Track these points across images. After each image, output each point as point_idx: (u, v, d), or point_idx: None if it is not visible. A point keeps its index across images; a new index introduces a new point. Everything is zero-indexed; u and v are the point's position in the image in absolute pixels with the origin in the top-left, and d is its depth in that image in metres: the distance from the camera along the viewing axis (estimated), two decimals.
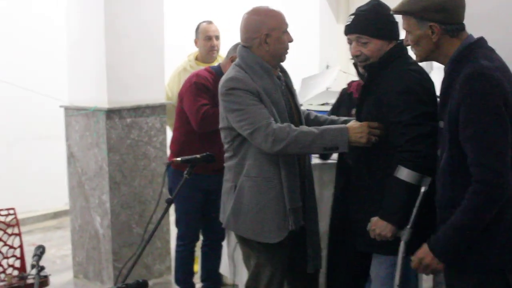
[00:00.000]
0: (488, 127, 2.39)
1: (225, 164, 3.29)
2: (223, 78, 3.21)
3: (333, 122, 3.39)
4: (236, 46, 4.11)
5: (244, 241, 3.29)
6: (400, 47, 3.00)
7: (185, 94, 4.27)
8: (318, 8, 6.57)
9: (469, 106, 2.41)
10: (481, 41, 2.58)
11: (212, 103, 4.10)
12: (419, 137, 2.77)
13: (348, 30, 3.05)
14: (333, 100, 4.09)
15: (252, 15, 3.20)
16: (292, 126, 3.04)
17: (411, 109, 2.81)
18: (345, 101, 3.54)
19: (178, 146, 4.31)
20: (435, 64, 4.28)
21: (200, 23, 5.11)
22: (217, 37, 5.07)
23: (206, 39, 4.99)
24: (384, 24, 2.98)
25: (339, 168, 3.36)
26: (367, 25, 2.99)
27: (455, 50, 2.56)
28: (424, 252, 2.57)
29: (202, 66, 4.84)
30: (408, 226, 2.80)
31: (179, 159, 3.10)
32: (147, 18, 5.01)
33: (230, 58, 4.14)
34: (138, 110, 4.95)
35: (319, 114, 3.49)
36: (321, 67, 6.60)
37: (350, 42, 3.08)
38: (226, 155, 3.27)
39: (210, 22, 5.11)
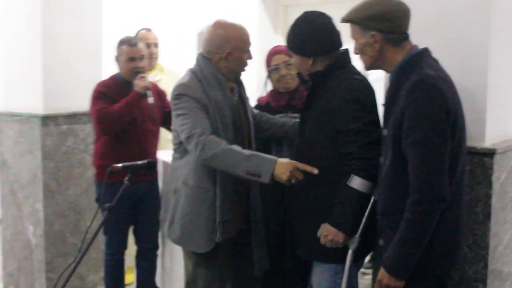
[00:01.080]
0: (427, 136, 2.43)
1: (171, 164, 3.34)
2: (175, 85, 3.23)
3: (284, 123, 3.45)
4: (119, 42, 4.18)
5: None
6: (344, 56, 3.04)
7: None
8: (257, 20, 6.59)
9: (411, 114, 2.46)
10: (426, 51, 2.64)
11: (109, 105, 4.07)
12: (370, 144, 2.80)
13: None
14: None
15: (218, 29, 3.21)
16: (226, 142, 3.05)
17: (361, 117, 2.84)
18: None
19: (99, 159, 4.24)
20: (372, 76, 4.37)
21: (139, 31, 5.09)
22: (156, 45, 5.08)
23: (145, 46, 4.96)
24: (298, 41, 3.03)
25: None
26: (288, 40, 3.07)
27: (401, 60, 2.61)
28: (381, 273, 2.60)
29: None
30: (357, 235, 2.81)
31: (120, 165, 3.04)
32: (85, 23, 4.94)
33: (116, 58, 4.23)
34: (74, 117, 4.85)
35: (271, 116, 3.53)
36: (260, 77, 6.61)
37: None
38: (174, 155, 3.32)
39: (149, 30, 5.10)
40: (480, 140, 2.89)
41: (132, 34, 5.01)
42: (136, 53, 4.17)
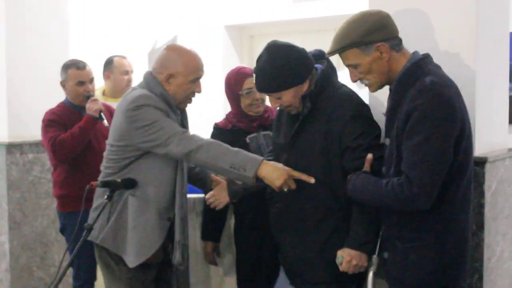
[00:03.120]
0: (429, 140, 2.36)
1: (101, 179, 3.13)
2: (129, 97, 3.03)
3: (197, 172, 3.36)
4: (65, 66, 4.08)
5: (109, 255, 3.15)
6: (327, 74, 2.89)
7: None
8: (223, 50, 6.57)
9: (416, 118, 2.38)
10: (428, 57, 2.57)
11: (61, 133, 3.95)
12: (381, 158, 2.65)
13: (258, 89, 2.91)
14: None
15: (170, 51, 3.11)
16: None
17: (369, 132, 2.74)
18: (226, 137, 3.41)
19: (59, 188, 4.09)
20: None
21: (113, 58, 5.04)
22: (129, 72, 5.05)
23: (124, 73, 4.99)
24: (286, 75, 2.78)
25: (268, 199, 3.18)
26: (270, 84, 2.82)
27: (403, 67, 2.53)
28: None
29: (110, 101, 4.68)
30: (375, 255, 2.68)
31: (98, 182, 2.91)
32: (51, 51, 4.86)
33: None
34: (40, 146, 4.66)
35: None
36: (225, 108, 6.55)
37: None
38: (106, 171, 3.12)
39: (124, 57, 5.09)
40: None
41: (98, 61, 4.96)
42: (85, 77, 4.06)
